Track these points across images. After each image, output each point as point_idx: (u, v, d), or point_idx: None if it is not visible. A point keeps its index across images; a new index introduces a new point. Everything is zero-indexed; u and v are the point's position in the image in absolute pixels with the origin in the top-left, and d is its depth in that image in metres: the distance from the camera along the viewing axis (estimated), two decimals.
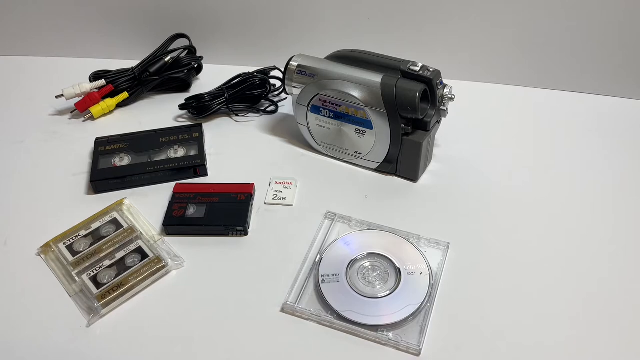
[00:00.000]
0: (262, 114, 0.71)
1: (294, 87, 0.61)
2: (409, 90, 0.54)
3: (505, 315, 0.47)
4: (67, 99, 0.71)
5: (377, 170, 0.62)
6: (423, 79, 0.55)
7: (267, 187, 0.60)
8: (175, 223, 0.55)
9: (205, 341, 0.46)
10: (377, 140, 0.59)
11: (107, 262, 0.52)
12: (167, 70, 0.73)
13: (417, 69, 0.55)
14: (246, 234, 0.55)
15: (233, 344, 0.46)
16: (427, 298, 0.47)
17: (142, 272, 0.51)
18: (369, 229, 0.54)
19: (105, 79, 0.72)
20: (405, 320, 0.46)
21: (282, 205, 0.58)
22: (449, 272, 0.51)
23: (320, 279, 0.49)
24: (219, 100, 0.69)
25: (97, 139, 0.65)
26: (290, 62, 0.61)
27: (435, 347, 0.45)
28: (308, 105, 0.61)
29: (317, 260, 0.51)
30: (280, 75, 0.71)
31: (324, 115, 0.60)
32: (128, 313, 0.49)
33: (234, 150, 0.66)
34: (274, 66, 0.72)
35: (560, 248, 0.53)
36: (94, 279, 0.50)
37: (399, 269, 0.50)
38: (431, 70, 0.55)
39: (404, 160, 0.59)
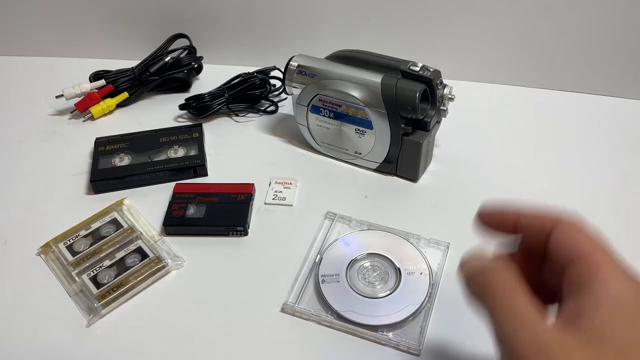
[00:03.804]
0: (262, 114, 0.71)
1: (294, 87, 0.61)
2: (409, 90, 0.54)
3: None
4: (67, 99, 0.71)
5: (377, 170, 0.62)
6: (423, 79, 0.55)
7: (267, 187, 0.60)
8: (175, 223, 0.55)
9: (205, 341, 0.46)
10: (377, 140, 0.58)
11: (107, 262, 0.52)
12: (167, 70, 0.73)
13: (417, 69, 0.55)
14: (246, 234, 0.55)
15: (233, 344, 0.46)
16: (427, 298, 0.47)
17: (142, 272, 0.50)
18: (369, 229, 0.54)
19: (105, 79, 0.72)
20: (405, 320, 0.46)
21: (282, 205, 0.58)
22: (449, 272, 0.50)
23: (320, 279, 0.49)
24: (219, 100, 0.69)
25: (97, 139, 0.65)
26: (290, 62, 0.61)
27: (435, 347, 0.45)
28: (308, 105, 0.61)
29: (317, 260, 0.51)
30: (280, 75, 0.71)
31: (324, 115, 0.60)
32: (128, 313, 0.49)
33: (234, 150, 0.66)
34: (274, 66, 0.72)
35: None
36: (94, 279, 0.50)
37: (399, 269, 0.50)
38: (431, 70, 0.55)
39: (404, 160, 0.59)
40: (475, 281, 0.32)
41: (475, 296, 0.32)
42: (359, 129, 0.59)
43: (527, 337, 0.28)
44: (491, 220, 0.35)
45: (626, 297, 0.28)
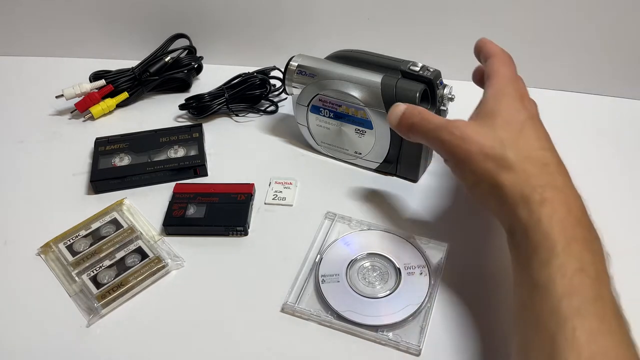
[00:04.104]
0: (262, 114, 0.71)
1: (294, 87, 0.61)
2: (409, 90, 0.54)
3: (505, 315, 0.47)
4: (67, 99, 0.71)
5: (377, 170, 0.62)
6: (423, 79, 0.55)
7: (267, 187, 0.60)
8: (175, 223, 0.55)
9: (205, 341, 0.46)
10: (377, 140, 0.58)
11: (107, 262, 0.52)
12: (167, 70, 0.73)
13: (417, 69, 0.55)
14: (246, 234, 0.55)
15: (233, 344, 0.46)
16: (427, 298, 0.47)
17: (142, 272, 0.51)
18: (369, 229, 0.54)
19: (105, 79, 0.72)
20: (405, 321, 0.46)
21: (282, 205, 0.58)
22: (449, 272, 0.51)
23: (320, 279, 0.49)
24: (219, 100, 0.69)
25: (97, 139, 0.65)
26: (290, 62, 0.61)
27: (435, 347, 0.45)
28: (308, 105, 0.61)
29: (317, 260, 0.51)
30: (280, 75, 0.71)
31: (324, 115, 0.60)
32: (128, 313, 0.49)
33: (234, 150, 0.66)
34: (274, 66, 0.72)
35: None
36: (94, 279, 0.50)
37: (399, 269, 0.50)
38: (431, 70, 0.55)
39: (404, 161, 0.59)
40: (401, 123, 0.48)
41: (409, 133, 0.48)
42: (359, 129, 0.59)
43: (444, 130, 0.45)
44: (477, 50, 0.52)
45: (507, 89, 0.46)
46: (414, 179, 0.60)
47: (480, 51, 0.51)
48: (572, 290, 0.35)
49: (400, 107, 0.48)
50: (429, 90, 0.55)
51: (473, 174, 0.43)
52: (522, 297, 0.39)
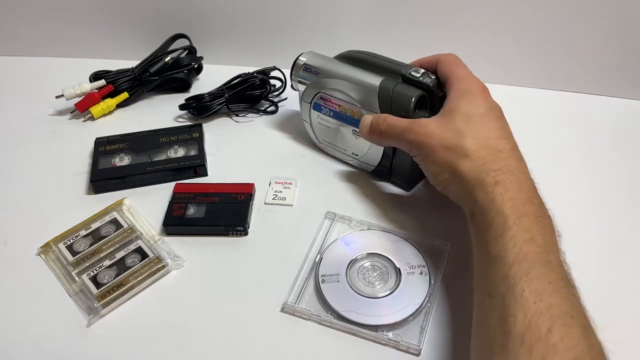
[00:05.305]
0: (262, 114, 0.71)
1: (299, 82, 0.61)
2: (405, 95, 0.53)
3: None
4: (67, 99, 0.71)
5: (373, 173, 0.61)
6: (422, 86, 0.53)
7: (267, 187, 0.60)
8: (175, 223, 0.55)
9: (205, 341, 0.46)
10: (372, 144, 0.58)
11: (107, 262, 0.52)
12: (167, 71, 0.73)
13: (418, 75, 0.53)
14: (246, 234, 0.55)
15: (233, 344, 0.46)
16: (427, 298, 0.47)
17: (142, 272, 0.51)
18: (369, 229, 0.54)
19: (105, 79, 0.72)
20: (405, 320, 0.46)
21: (282, 205, 0.58)
22: (449, 272, 0.51)
23: (320, 279, 0.49)
24: (219, 101, 0.69)
25: (97, 139, 0.65)
26: (299, 57, 0.61)
27: (435, 347, 0.45)
28: (311, 103, 0.61)
29: (317, 260, 0.51)
30: (280, 76, 0.71)
31: (325, 114, 0.60)
32: (128, 313, 0.49)
33: (234, 150, 0.66)
34: (274, 66, 0.72)
35: (560, 248, 0.53)
36: (94, 279, 0.50)
37: (399, 269, 0.50)
38: (432, 77, 0.53)
39: (397, 168, 0.58)
40: (371, 132, 0.53)
41: (381, 140, 0.53)
42: (355, 130, 0.59)
43: (410, 132, 0.50)
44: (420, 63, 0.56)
45: (470, 87, 0.50)
46: (406, 188, 0.59)
47: (423, 63, 0.56)
48: (522, 257, 0.39)
49: (367, 118, 0.54)
50: (429, 97, 0.54)
51: (436, 164, 0.48)
52: (479, 270, 0.43)
